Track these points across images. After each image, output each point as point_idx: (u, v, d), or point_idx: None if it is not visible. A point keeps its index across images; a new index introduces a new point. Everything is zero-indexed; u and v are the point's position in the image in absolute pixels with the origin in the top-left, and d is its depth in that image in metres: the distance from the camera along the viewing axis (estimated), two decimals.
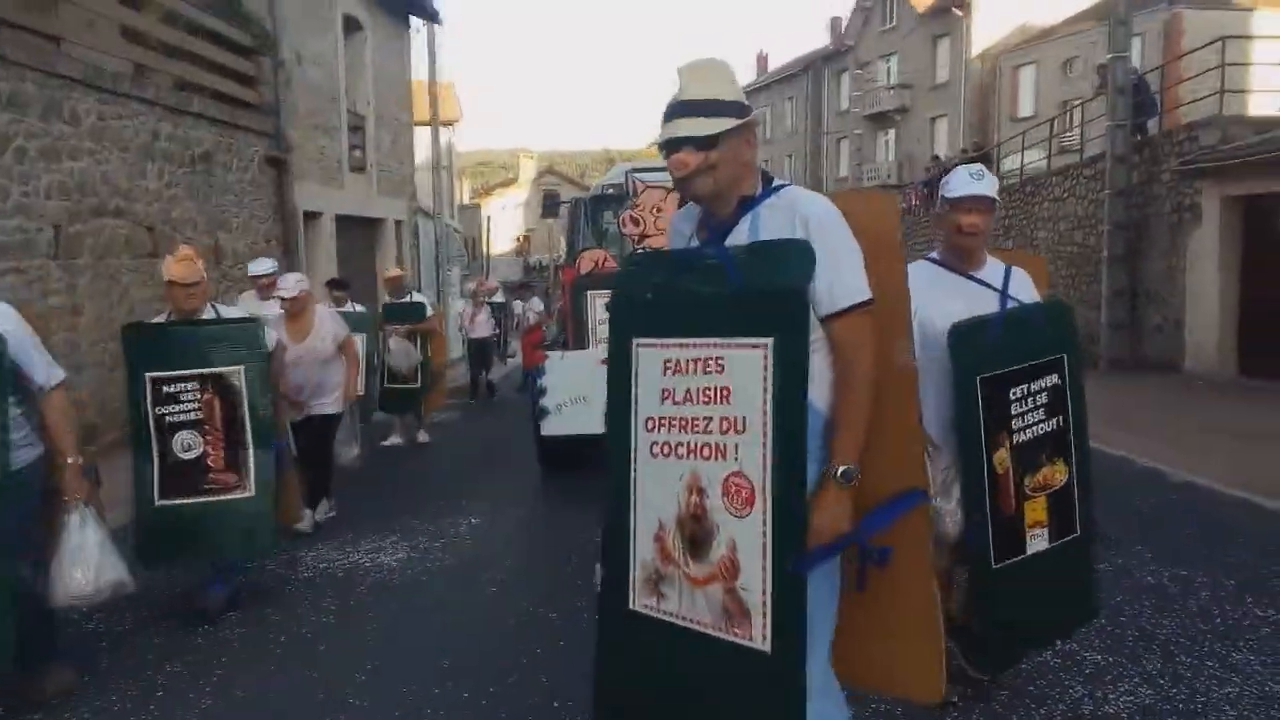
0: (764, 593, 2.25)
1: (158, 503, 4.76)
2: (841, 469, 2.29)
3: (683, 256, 2.55)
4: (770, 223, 2.38)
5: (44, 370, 3.85)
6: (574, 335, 7.69)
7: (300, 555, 5.94)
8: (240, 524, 4.84)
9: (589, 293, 7.57)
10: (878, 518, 2.39)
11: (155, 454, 4.76)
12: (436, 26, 20.13)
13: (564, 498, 7.54)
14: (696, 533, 2.38)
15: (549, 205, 11.45)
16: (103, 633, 4.70)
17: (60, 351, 8.83)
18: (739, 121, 2.36)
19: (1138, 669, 3.86)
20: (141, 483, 4.77)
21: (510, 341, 19.36)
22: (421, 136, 20.60)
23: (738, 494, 2.28)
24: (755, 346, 2.26)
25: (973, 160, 24.49)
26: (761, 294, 2.29)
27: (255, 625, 4.78)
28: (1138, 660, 3.95)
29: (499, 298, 18.91)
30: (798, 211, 2.36)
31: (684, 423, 2.39)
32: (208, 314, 5.04)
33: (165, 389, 4.78)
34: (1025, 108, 31.62)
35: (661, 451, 2.43)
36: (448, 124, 25.51)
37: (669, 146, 2.39)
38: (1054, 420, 3.30)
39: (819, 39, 45.32)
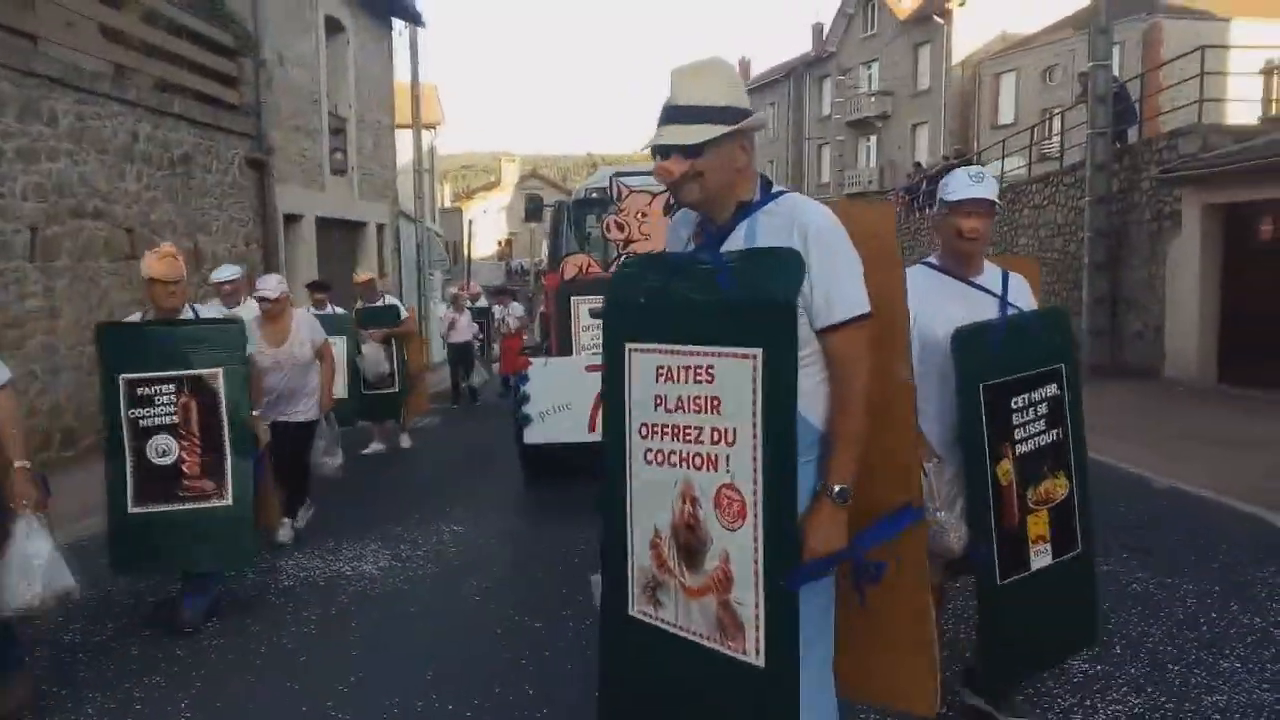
0: (757, 607, 2.22)
1: (131, 510, 4.64)
2: (837, 487, 2.25)
3: (677, 260, 2.51)
4: (768, 230, 2.32)
5: None
6: (558, 342, 7.64)
7: (281, 564, 5.86)
8: (217, 534, 4.71)
9: (573, 298, 7.52)
10: (872, 534, 2.35)
11: (129, 459, 4.63)
12: (419, 29, 20.07)
13: (547, 505, 7.49)
14: (691, 542, 2.36)
15: (532, 209, 11.36)
16: (80, 643, 4.61)
17: (37, 355, 8.74)
18: (727, 129, 2.28)
19: (1126, 677, 3.85)
20: (115, 488, 4.64)
21: (494, 347, 19.29)
22: (403, 139, 20.50)
23: (729, 506, 2.26)
24: (745, 357, 2.22)
25: (956, 166, 24.68)
26: (751, 304, 2.24)
27: (235, 635, 4.70)
28: (1126, 668, 3.94)
29: (481, 302, 18.83)
30: (796, 220, 2.30)
31: (676, 431, 2.36)
32: (186, 315, 4.91)
33: (141, 391, 4.64)
34: (1006, 115, 31.85)
35: (655, 459, 2.41)
36: (430, 127, 25.39)
37: (658, 153, 2.35)
38: (1054, 431, 3.25)
39: (801, 45, 45.45)
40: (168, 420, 4.66)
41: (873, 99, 38.57)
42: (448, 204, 46.12)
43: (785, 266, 2.23)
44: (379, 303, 10.13)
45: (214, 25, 12.30)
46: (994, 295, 3.23)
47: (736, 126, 2.30)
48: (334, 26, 16.38)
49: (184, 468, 4.66)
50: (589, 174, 18.59)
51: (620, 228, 7.18)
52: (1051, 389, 3.22)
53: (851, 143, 40.71)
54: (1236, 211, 12.15)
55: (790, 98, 45.64)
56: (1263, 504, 6.47)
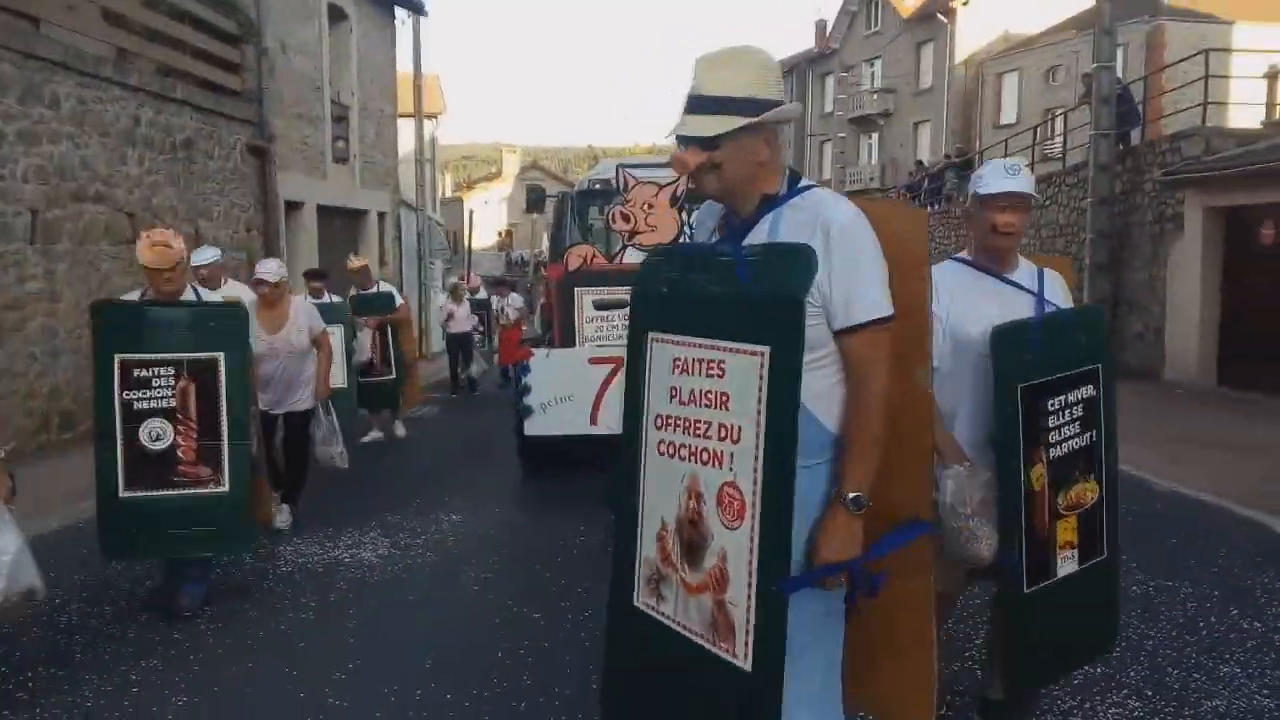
0: (748, 610, 2.20)
1: (122, 494, 4.53)
2: (852, 495, 2.18)
3: (699, 252, 2.47)
4: (791, 225, 2.26)
5: None
6: (561, 333, 7.59)
7: (279, 550, 5.85)
8: (211, 521, 4.61)
9: (577, 290, 7.47)
10: (876, 546, 2.28)
11: (120, 441, 4.51)
12: (421, 18, 20.03)
13: (547, 496, 7.48)
14: (693, 538, 2.34)
15: (534, 199, 11.27)
16: (76, 626, 4.60)
17: (37, 338, 8.72)
18: (747, 121, 2.21)
19: (1126, 681, 3.85)
20: (105, 472, 4.52)
21: (494, 338, 19.25)
22: (405, 128, 20.47)
23: (730, 505, 2.23)
24: (753, 353, 2.18)
25: (957, 165, 24.66)
26: (762, 299, 2.20)
27: (233, 620, 4.69)
28: (1126, 672, 3.93)
29: (480, 294, 18.79)
30: (820, 216, 2.22)
31: (687, 424, 2.33)
32: (188, 296, 4.82)
33: (137, 373, 4.53)
34: (1008, 115, 31.79)
35: (666, 451, 2.39)
36: (431, 117, 25.36)
37: (680, 142, 2.31)
38: (1087, 434, 3.12)
39: (804, 41, 45.40)
40: (164, 404, 4.55)
41: (875, 96, 38.50)
42: (449, 194, 46.05)
43: (798, 263, 2.17)
44: (373, 290, 10.08)
45: (216, 11, 12.26)
46: (1029, 293, 3.10)
47: (755, 120, 2.22)
48: (337, 14, 16.33)
49: (179, 453, 4.57)
50: (590, 166, 18.57)
51: (626, 219, 7.12)
52: (1087, 390, 3.10)
53: (853, 140, 40.66)
54: (1238, 215, 12.14)
55: (792, 94, 45.49)
56: (1262, 508, 6.47)
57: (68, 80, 9.08)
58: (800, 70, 45.12)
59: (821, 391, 2.22)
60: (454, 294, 15.10)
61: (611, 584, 2.57)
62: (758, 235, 2.30)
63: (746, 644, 2.19)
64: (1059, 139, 18.99)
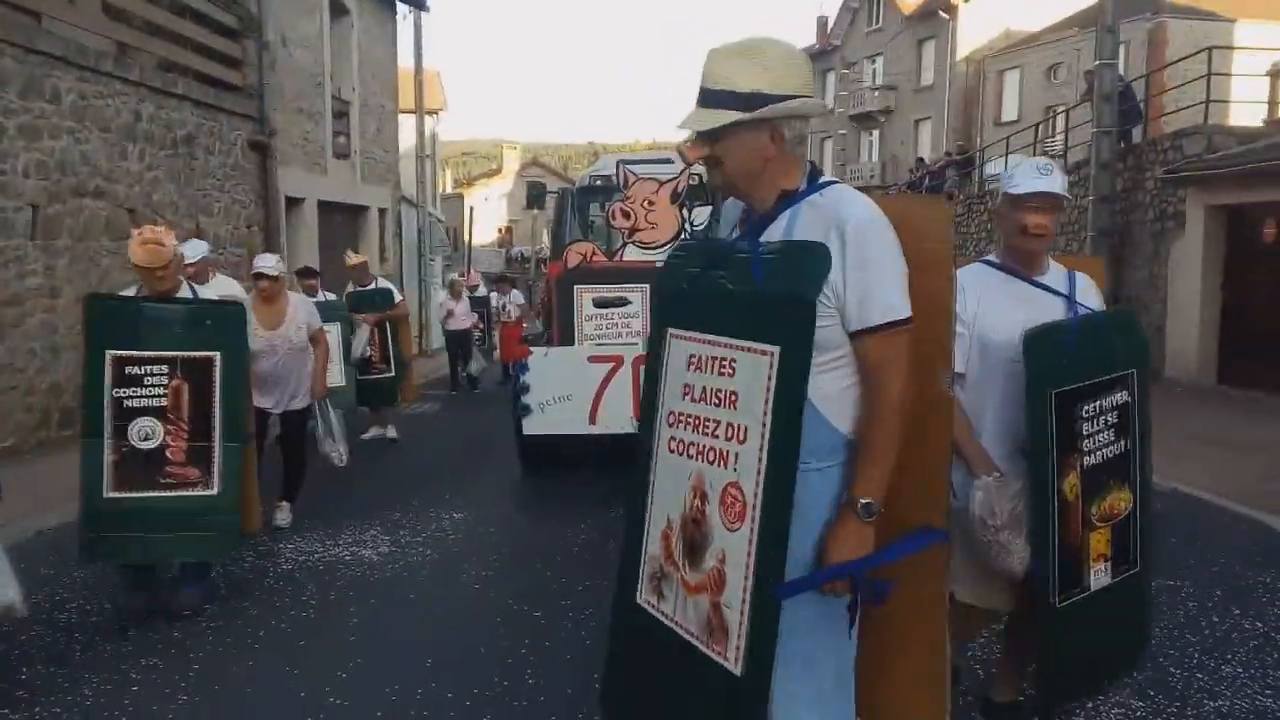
0: (742, 613, 2.18)
1: (107, 494, 4.40)
2: (863, 501, 2.12)
3: (718, 248, 2.44)
4: (809, 221, 2.19)
5: None
6: (560, 331, 7.56)
7: (279, 548, 5.84)
8: (199, 525, 4.51)
9: (577, 287, 7.43)
10: (886, 552, 2.21)
11: (108, 440, 4.40)
12: (423, 13, 20.00)
13: (547, 495, 7.47)
14: (695, 537, 2.32)
15: (534, 195, 11.21)
16: (76, 624, 4.59)
17: (37, 333, 8.71)
18: (739, 116, 2.15)
19: (1129, 681, 3.83)
20: (90, 471, 4.40)
21: (494, 335, 19.21)
22: (405, 124, 20.45)
23: (732, 506, 2.20)
24: (763, 353, 2.15)
25: (958, 162, 24.63)
26: (774, 298, 2.16)
27: (233, 619, 4.68)
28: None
29: (480, 291, 18.75)
30: (836, 214, 2.15)
31: (697, 422, 2.31)
32: (184, 293, 4.75)
33: (129, 370, 4.43)
34: (1009, 112, 31.76)
35: (676, 448, 2.37)
36: (432, 113, 25.34)
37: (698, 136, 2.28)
38: (1121, 442, 3.00)
39: (806, 37, 45.27)
40: (155, 402, 4.46)
41: (876, 93, 38.45)
42: (449, 190, 46.00)
43: (812, 262, 2.13)
44: (370, 286, 10.05)
45: (217, 6, 12.23)
46: (1060, 295, 2.99)
47: (753, 115, 2.15)
48: (338, 9, 16.30)
49: (168, 453, 4.46)
50: (590, 163, 18.52)
51: (626, 215, 7.09)
52: (1122, 396, 2.99)
53: (854, 136, 40.61)
54: (1239, 213, 12.14)
55: None
56: (1262, 507, 6.47)
57: (68, 75, 9.06)
58: None
59: (834, 394, 2.18)
60: (452, 290, 15.05)
61: (617, 579, 2.56)
62: (775, 231, 2.24)
63: (738, 648, 2.17)
64: (1060, 136, 18.95)
